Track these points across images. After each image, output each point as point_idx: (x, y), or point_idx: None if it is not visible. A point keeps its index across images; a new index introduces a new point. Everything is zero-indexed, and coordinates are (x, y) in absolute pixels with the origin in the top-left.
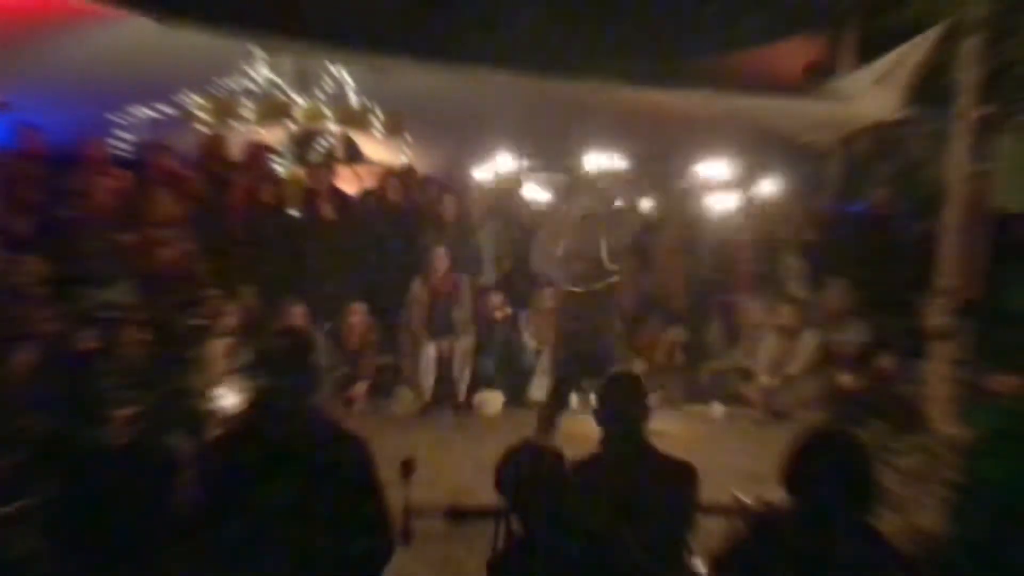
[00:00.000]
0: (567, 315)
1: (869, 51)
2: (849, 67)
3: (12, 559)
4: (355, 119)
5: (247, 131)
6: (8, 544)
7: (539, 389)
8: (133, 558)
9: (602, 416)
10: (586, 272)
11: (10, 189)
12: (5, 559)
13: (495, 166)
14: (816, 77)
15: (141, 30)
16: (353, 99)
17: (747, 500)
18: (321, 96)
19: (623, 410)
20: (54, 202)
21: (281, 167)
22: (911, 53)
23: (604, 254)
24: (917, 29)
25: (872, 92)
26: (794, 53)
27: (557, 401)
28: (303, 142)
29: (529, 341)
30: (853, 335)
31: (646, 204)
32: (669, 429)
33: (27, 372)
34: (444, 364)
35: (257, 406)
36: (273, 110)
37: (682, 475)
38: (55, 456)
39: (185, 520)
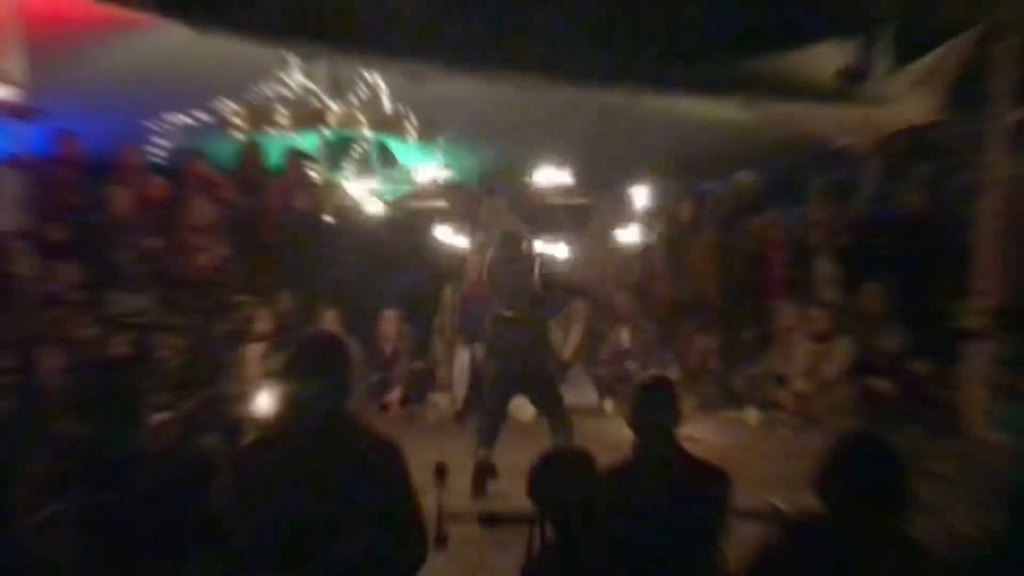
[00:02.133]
0: (497, 339)
1: (905, 54)
2: (885, 70)
3: (49, 562)
4: (389, 125)
5: (282, 137)
6: (45, 548)
7: (571, 396)
8: (168, 561)
9: (635, 421)
10: (514, 297)
11: (47, 196)
12: (42, 562)
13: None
14: (851, 80)
15: (176, 37)
16: (387, 105)
17: (782, 506)
18: (355, 102)
19: (656, 415)
20: (90, 209)
21: (316, 173)
22: (947, 56)
23: (534, 280)
24: (953, 31)
25: (908, 95)
26: (829, 56)
27: (493, 417)
28: (338, 148)
29: (558, 349)
30: (888, 340)
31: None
32: (704, 435)
33: (62, 377)
34: (478, 370)
35: (291, 412)
36: (308, 116)
37: (716, 480)
38: (90, 461)
39: (219, 525)
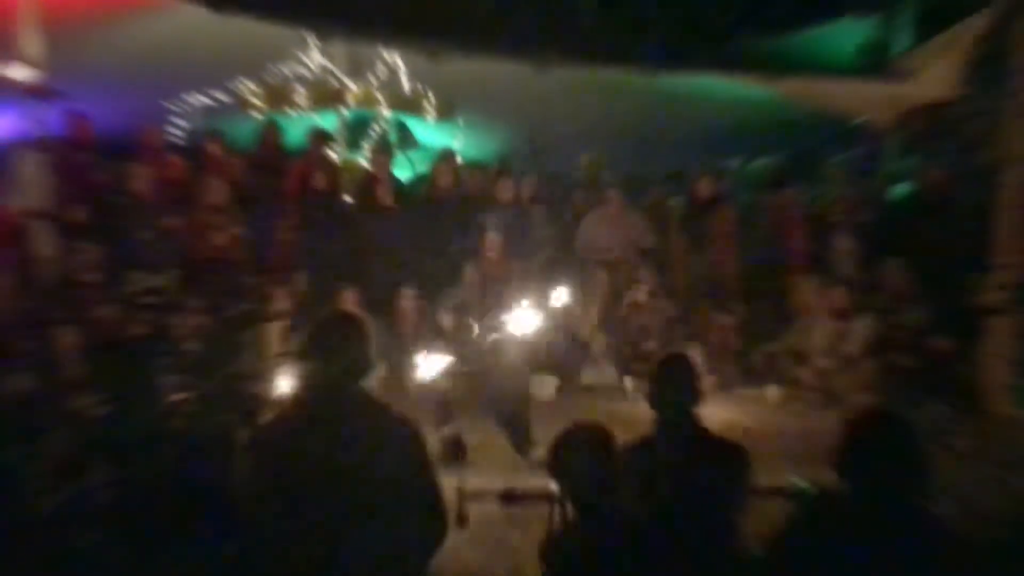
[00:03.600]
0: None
1: (925, 30)
2: (906, 45)
3: (68, 543)
4: (408, 104)
5: (301, 117)
6: (64, 528)
7: (591, 374)
8: (186, 540)
9: (654, 399)
10: None
11: (64, 177)
12: (62, 541)
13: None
14: (872, 56)
15: (194, 18)
16: (406, 84)
17: (802, 483)
18: (374, 82)
19: (676, 393)
20: (109, 189)
21: (335, 153)
22: (969, 30)
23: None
24: (973, 7)
25: (929, 70)
26: (850, 33)
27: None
28: (356, 128)
29: (579, 325)
30: (909, 316)
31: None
32: (723, 413)
33: (81, 356)
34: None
35: (310, 391)
36: (326, 96)
37: (735, 458)
38: (109, 440)
39: (238, 503)
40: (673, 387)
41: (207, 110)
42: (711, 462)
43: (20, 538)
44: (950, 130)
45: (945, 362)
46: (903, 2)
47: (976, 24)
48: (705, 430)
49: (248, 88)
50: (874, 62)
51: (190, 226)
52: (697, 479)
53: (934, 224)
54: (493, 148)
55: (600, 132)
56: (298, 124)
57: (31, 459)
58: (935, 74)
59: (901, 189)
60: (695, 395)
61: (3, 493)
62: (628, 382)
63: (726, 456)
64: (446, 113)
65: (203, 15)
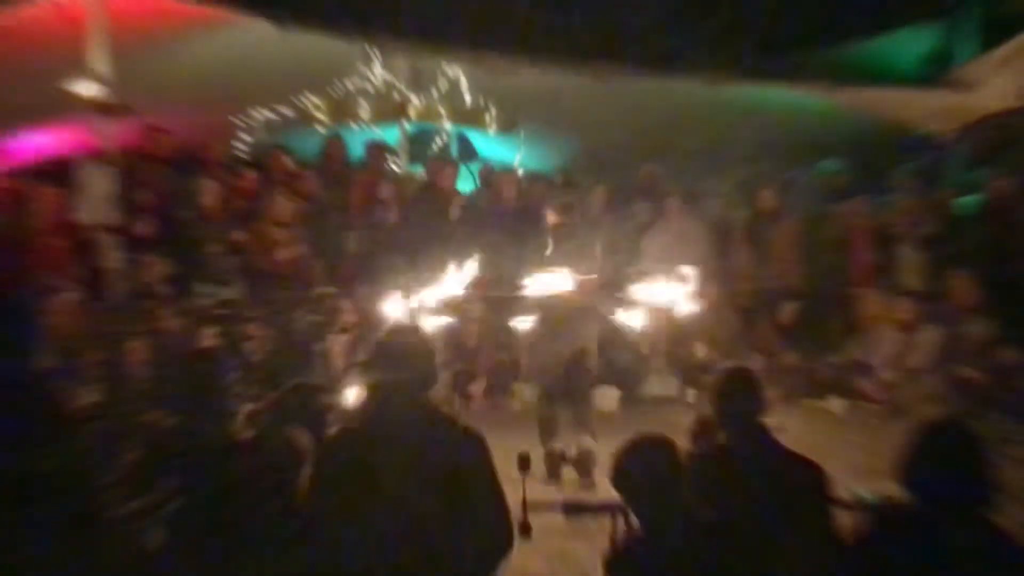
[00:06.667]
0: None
1: (989, 38)
2: (969, 54)
3: (139, 553)
4: (469, 117)
5: (364, 130)
6: (134, 538)
7: (655, 385)
8: (255, 551)
9: (719, 411)
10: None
11: (134, 191)
12: (131, 553)
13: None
14: (936, 65)
15: (259, 34)
16: (467, 97)
17: (867, 495)
18: (435, 95)
19: (740, 404)
20: (176, 203)
21: (395, 165)
22: None
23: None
24: None
25: (993, 80)
26: (913, 42)
27: (549, 410)
28: (418, 141)
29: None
30: (975, 328)
31: None
32: (788, 425)
33: (150, 369)
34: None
35: (375, 402)
36: (389, 109)
37: (809, 472)
38: (179, 452)
39: (306, 515)
40: (738, 399)
41: (272, 125)
42: (783, 475)
43: (91, 547)
44: (1016, 140)
45: (1011, 374)
46: (967, 11)
47: None
48: (776, 442)
49: (312, 102)
50: (938, 72)
51: (257, 239)
52: (770, 492)
53: (1000, 235)
54: (554, 160)
55: (662, 143)
56: (362, 137)
57: (102, 470)
58: (1000, 84)
59: (967, 200)
60: (760, 406)
61: (74, 504)
62: (690, 393)
63: (799, 470)
64: (507, 125)
65: (268, 31)
